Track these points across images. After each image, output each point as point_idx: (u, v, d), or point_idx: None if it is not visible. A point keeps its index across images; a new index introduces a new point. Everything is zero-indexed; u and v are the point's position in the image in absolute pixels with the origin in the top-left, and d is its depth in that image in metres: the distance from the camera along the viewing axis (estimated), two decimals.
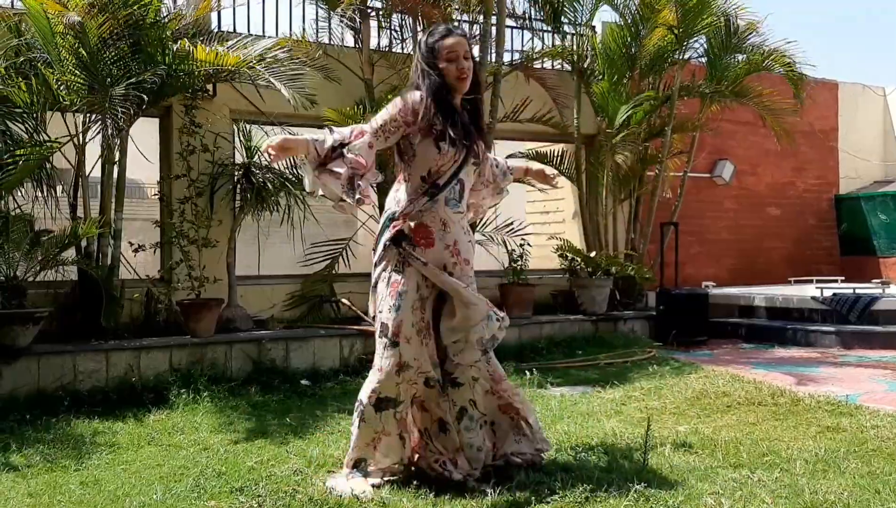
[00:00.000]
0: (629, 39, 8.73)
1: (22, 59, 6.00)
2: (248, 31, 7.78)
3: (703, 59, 9.39)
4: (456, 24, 7.33)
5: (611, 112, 8.55)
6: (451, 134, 3.42)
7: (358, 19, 7.69)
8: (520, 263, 8.13)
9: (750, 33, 9.12)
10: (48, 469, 4.07)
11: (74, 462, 4.15)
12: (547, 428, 4.56)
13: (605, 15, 16.47)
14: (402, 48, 8.10)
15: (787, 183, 11.63)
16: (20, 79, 5.82)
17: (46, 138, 5.95)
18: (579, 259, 8.41)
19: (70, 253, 6.06)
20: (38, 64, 5.92)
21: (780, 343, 8.30)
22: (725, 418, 4.94)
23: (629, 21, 8.76)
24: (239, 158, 7.27)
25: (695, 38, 8.91)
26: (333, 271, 7.92)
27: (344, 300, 7.68)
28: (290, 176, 7.12)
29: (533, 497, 3.36)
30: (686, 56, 9.13)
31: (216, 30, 7.29)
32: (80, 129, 6.06)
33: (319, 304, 7.77)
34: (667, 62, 9.01)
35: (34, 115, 5.84)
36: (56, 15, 5.57)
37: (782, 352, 7.91)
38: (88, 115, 5.91)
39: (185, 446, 4.46)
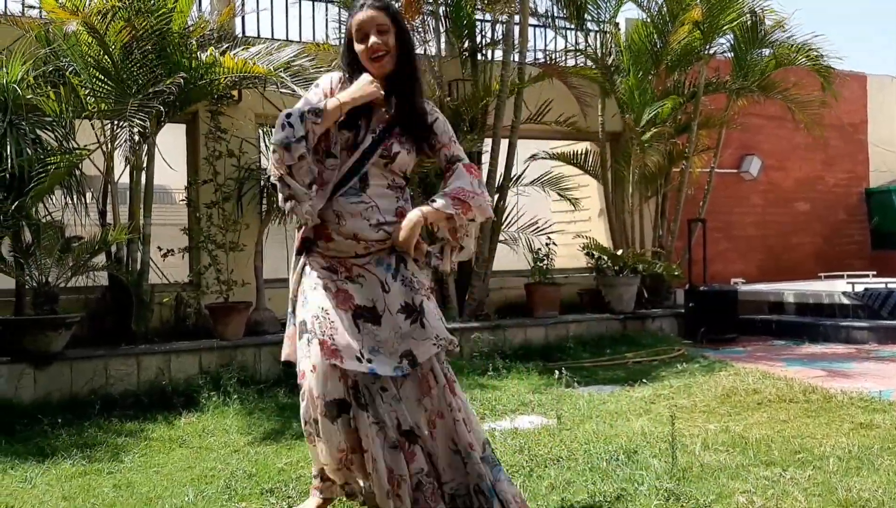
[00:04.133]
0: (655, 36, 8.68)
1: (50, 67, 6.09)
2: (272, 35, 7.84)
3: (730, 55, 9.31)
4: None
5: (637, 109, 8.50)
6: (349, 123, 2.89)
7: None
8: (545, 262, 8.11)
9: (776, 28, 9.03)
10: (82, 472, 4.12)
11: (107, 465, 4.20)
12: (575, 427, 4.56)
13: (629, 12, 16.37)
14: (425, 50, 8.10)
15: (815, 177, 11.49)
16: (49, 88, 5.91)
17: (75, 146, 6.03)
18: (606, 257, 8.37)
19: (100, 259, 6.13)
20: (66, 72, 6.01)
21: (810, 340, 8.20)
22: (756, 415, 4.88)
23: (655, 17, 8.70)
24: (265, 163, 7.31)
25: (721, 34, 8.84)
26: None
27: None
28: None
29: (563, 497, 3.35)
30: (712, 51, 9.05)
31: (240, 35, 7.35)
32: (108, 136, 6.13)
33: None
34: (693, 58, 8.94)
35: (63, 123, 5.92)
36: (61, 22, 5.64)
37: (813, 348, 7.81)
38: (116, 122, 5.98)
39: (215, 448, 4.50)
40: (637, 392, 5.67)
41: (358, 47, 2.89)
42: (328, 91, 2.93)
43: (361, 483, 3.01)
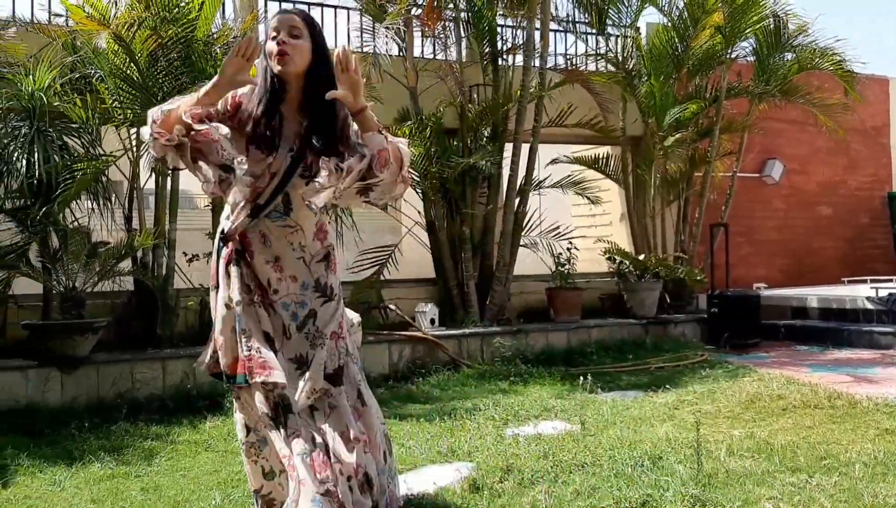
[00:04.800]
0: (676, 40, 8.66)
1: (77, 74, 6.17)
2: None
3: (751, 59, 9.27)
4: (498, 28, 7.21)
5: (659, 114, 8.49)
6: (254, 131, 2.86)
7: (402, 28, 7.74)
8: (567, 266, 8.10)
9: (799, 32, 8.99)
10: (110, 475, 4.16)
11: (135, 469, 4.24)
12: (599, 433, 4.56)
13: (650, 17, 16.32)
14: (446, 55, 8.13)
15: (838, 181, 11.40)
16: (75, 95, 5.99)
17: (102, 153, 6.10)
18: (627, 262, 8.35)
19: (126, 264, 6.20)
20: (93, 80, 6.08)
21: (834, 345, 8.14)
22: (781, 421, 4.86)
23: (676, 22, 8.68)
24: None
25: (743, 38, 8.81)
26: (381, 278, 7.99)
27: (392, 306, 7.73)
28: None
29: (589, 503, 3.35)
30: (734, 55, 9.02)
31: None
32: (134, 142, 6.20)
33: (368, 310, 7.83)
34: (714, 62, 8.92)
35: (90, 130, 6.00)
36: (89, 34, 5.71)
37: (837, 354, 7.75)
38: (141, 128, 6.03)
39: (240, 452, 4.52)
40: (660, 398, 5.65)
41: (269, 45, 2.85)
42: (234, 104, 2.90)
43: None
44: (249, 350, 2.86)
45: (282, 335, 2.93)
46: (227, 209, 3.02)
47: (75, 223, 6.07)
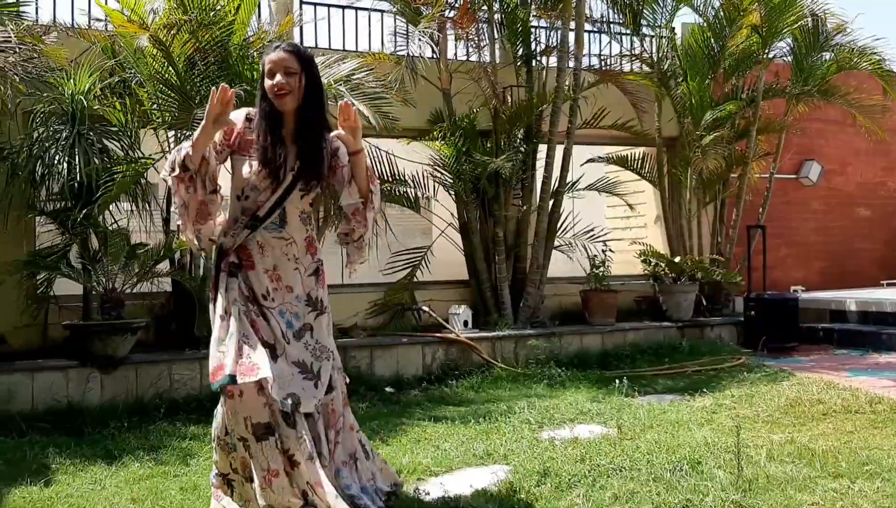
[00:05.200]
0: (712, 40, 8.57)
1: (116, 78, 6.26)
2: (329, 44, 7.94)
3: (789, 58, 9.15)
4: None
5: (695, 114, 8.41)
6: (263, 156, 3.18)
7: (436, 31, 7.75)
8: (601, 269, 8.05)
9: (838, 32, 8.86)
10: (149, 474, 4.21)
11: (173, 468, 4.29)
12: (636, 437, 4.52)
13: (685, 17, 16.18)
14: (479, 57, 8.12)
15: (877, 183, 11.20)
16: (115, 99, 6.07)
17: (140, 155, 6.17)
18: (663, 264, 8.28)
19: (164, 265, 6.27)
20: (132, 83, 6.16)
21: (874, 349, 7.99)
22: (821, 426, 4.79)
23: (712, 22, 8.60)
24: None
25: (780, 37, 8.70)
26: (414, 280, 8.00)
27: (425, 308, 7.74)
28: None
29: (628, 507, 3.32)
30: (771, 55, 8.92)
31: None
32: (172, 145, 6.26)
33: (401, 312, 7.85)
34: (751, 62, 8.82)
35: (129, 133, 6.08)
36: (130, 36, 5.78)
37: (878, 358, 7.61)
38: (179, 132, 6.11)
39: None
40: (698, 402, 5.59)
41: (267, 83, 3.17)
42: (229, 131, 3.21)
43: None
44: (241, 357, 3.06)
45: (282, 341, 3.18)
46: (222, 226, 3.31)
47: (115, 225, 6.16)
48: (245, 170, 3.23)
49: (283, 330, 3.19)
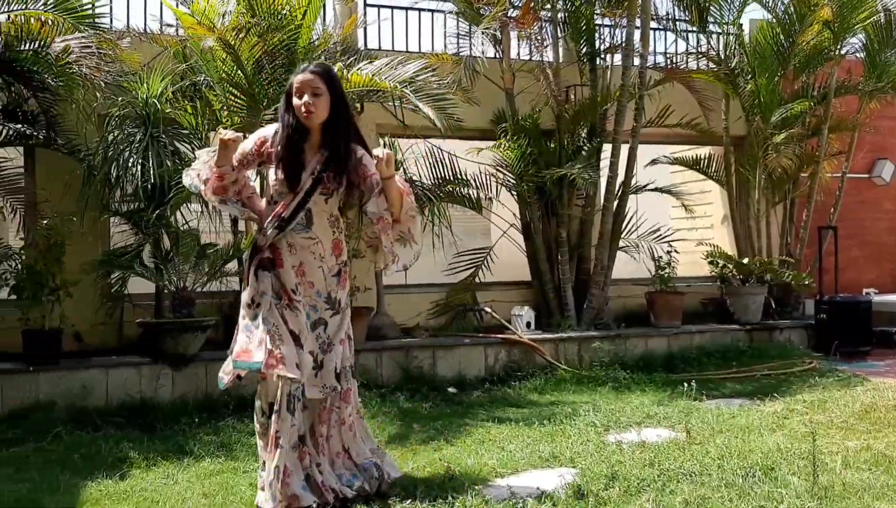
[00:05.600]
0: (781, 37, 8.37)
1: (187, 82, 6.40)
2: (392, 46, 7.99)
3: (861, 55, 8.88)
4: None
5: (765, 112, 8.22)
6: (283, 166, 3.54)
7: (499, 31, 7.74)
8: (667, 270, 7.92)
9: None
10: (219, 470, 4.30)
11: (243, 465, 4.36)
12: (705, 442, 4.44)
13: (753, 13, 15.84)
14: (542, 56, 8.08)
15: None
16: (186, 102, 6.21)
17: None
18: (731, 266, 8.12)
19: (232, 265, 6.38)
20: (202, 87, 6.29)
21: None
22: None
23: (781, 18, 8.40)
24: None
25: (853, 33, 8.44)
26: (476, 280, 7.99)
27: (487, 309, 7.73)
28: (434, 189, 7.31)
29: None
30: (843, 52, 8.67)
31: (362, 48, 7.51)
32: None
33: (463, 312, 7.86)
34: (822, 59, 8.59)
35: (199, 135, 6.20)
36: (200, 39, 5.89)
37: None
38: (246, 134, 6.20)
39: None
40: (768, 407, 5.47)
41: (295, 101, 3.52)
42: (259, 143, 3.60)
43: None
44: (272, 346, 3.43)
45: (306, 331, 3.54)
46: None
47: (185, 226, 6.30)
48: (271, 177, 3.60)
49: (302, 324, 3.54)
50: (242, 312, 3.58)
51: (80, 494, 3.90)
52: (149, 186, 5.79)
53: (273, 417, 3.49)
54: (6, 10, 5.60)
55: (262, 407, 3.62)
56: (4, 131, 6.02)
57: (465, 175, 7.84)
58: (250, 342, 3.49)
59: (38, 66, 5.57)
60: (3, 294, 5.85)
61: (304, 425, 3.55)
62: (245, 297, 3.58)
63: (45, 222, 5.87)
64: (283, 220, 3.54)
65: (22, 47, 5.57)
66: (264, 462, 3.58)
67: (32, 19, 5.63)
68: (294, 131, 3.54)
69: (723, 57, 8.69)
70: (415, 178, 7.36)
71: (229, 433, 5.06)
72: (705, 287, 8.63)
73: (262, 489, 3.54)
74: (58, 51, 5.52)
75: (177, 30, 6.99)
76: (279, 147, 3.55)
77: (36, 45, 5.57)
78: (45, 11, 5.64)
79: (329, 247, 3.61)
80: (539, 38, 8.06)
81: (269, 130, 3.64)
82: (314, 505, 3.43)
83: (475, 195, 7.85)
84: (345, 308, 3.69)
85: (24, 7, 5.62)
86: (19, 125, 6.02)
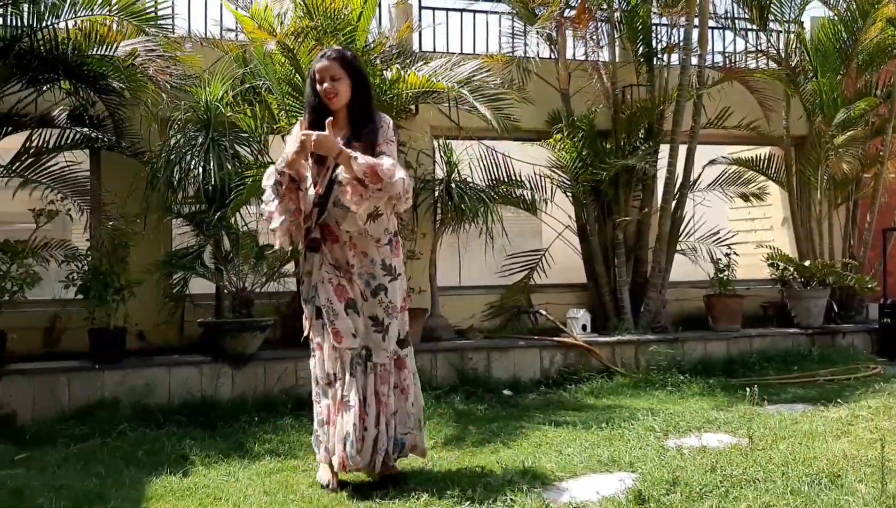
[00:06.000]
0: (844, 34, 8.18)
1: (247, 86, 6.50)
2: (447, 48, 8.01)
3: None
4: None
5: (827, 112, 8.04)
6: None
7: (554, 31, 7.70)
8: (726, 272, 7.79)
9: None
10: (279, 468, 4.35)
11: (302, 463, 4.41)
12: (768, 448, 4.35)
13: (814, 10, 15.50)
14: (599, 56, 8.02)
15: None
16: (246, 105, 6.31)
17: (269, 160, 6.38)
18: (791, 268, 7.95)
19: (290, 266, 6.45)
20: (262, 91, 6.39)
21: None
22: None
23: (843, 15, 8.20)
24: (439, 173, 7.47)
25: None
26: (530, 282, 7.96)
27: (542, 311, 7.70)
28: (488, 190, 7.31)
29: None
30: None
31: (417, 50, 7.54)
32: None
33: (518, 314, 7.83)
34: (886, 57, 8.36)
35: (258, 138, 6.30)
36: (260, 42, 5.98)
37: None
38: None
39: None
40: (832, 412, 5.34)
41: (318, 88, 3.81)
42: (297, 132, 3.83)
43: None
44: (329, 319, 3.78)
45: (361, 299, 3.82)
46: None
47: (245, 227, 6.40)
48: (308, 162, 3.85)
49: (361, 289, 3.82)
50: (303, 285, 3.98)
51: (145, 490, 3.98)
52: (210, 188, 5.91)
53: (338, 384, 3.81)
54: (73, 15, 5.76)
55: (317, 377, 3.94)
56: (72, 135, 6.19)
57: (520, 176, 7.82)
58: (304, 320, 3.96)
59: (106, 69, 5.71)
60: (70, 294, 6.00)
61: (368, 388, 3.80)
62: (301, 271, 3.97)
63: (110, 223, 6.02)
64: (320, 197, 3.80)
65: (89, 52, 5.72)
66: (325, 427, 3.89)
67: (98, 24, 5.78)
68: (318, 113, 3.79)
69: (783, 55, 8.51)
70: (468, 179, 7.38)
71: (288, 431, 5.12)
72: (765, 290, 8.47)
73: (330, 451, 3.84)
74: (124, 54, 5.66)
75: (237, 34, 7.10)
76: (306, 129, 3.79)
77: (103, 50, 5.72)
78: (111, 15, 5.79)
79: (364, 217, 3.77)
80: (595, 37, 8.00)
81: (297, 129, 3.88)
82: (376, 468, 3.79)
83: (530, 197, 7.82)
84: (400, 275, 3.90)
85: (90, 12, 5.77)
86: (86, 129, 6.19)
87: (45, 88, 5.94)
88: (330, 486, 3.87)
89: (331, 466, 3.89)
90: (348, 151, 3.67)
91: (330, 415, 3.87)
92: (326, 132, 3.67)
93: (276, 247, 4.03)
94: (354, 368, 3.78)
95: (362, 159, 3.64)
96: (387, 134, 3.85)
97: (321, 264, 3.83)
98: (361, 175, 3.62)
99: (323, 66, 3.80)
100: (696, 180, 8.15)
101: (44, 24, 5.69)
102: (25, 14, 5.68)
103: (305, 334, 4.00)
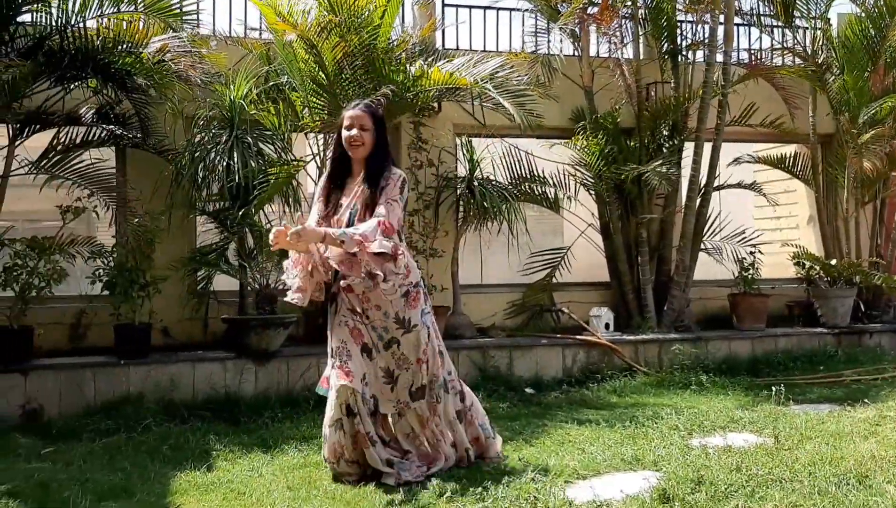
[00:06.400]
0: (871, 31, 8.07)
1: (270, 84, 6.53)
2: (470, 46, 8.00)
3: None
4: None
5: (853, 110, 7.94)
6: (324, 196, 4.07)
7: (577, 28, 7.67)
8: (751, 271, 7.71)
9: None
10: (302, 463, 4.37)
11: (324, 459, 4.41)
12: (794, 448, 4.30)
13: (841, 6, 15.32)
14: (622, 53, 7.97)
15: None
16: (269, 103, 6.33)
17: (293, 158, 6.41)
18: (818, 267, 7.86)
19: None
20: (285, 88, 6.41)
21: None
22: None
23: (871, 11, 8.10)
24: (462, 172, 7.46)
25: None
26: (553, 281, 7.93)
27: (565, 309, 7.67)
28: (511, 188, 7.31)
29: None
30: None
31: (440, 48, 7.54)
32: (322, 147, 6.48)
33: (540, 313, 7.81)
34: None
35: (282, 136, 6.32)
36: (280, 34, 5.99)
37: None
38: (329, 134, 6.30)
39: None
40: (859, 413, 5.27)
41: (344, 133, 3.99)
42: (320, 191, 4.12)
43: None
44: (341, 360, 3.91)
45: (375, 348, 3.95)
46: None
47: (269, 225, 6.41)
48: (317, 210, 4.06)
49: (375, 341, 3.94)
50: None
51: (169, 484, 4.01)
52: (234, 185, 5.93)
53: (356, 419, 3.89)
54: (100, 13, 5.81)
55: (332, 414, 3.96)
56: (99, 132, 6.24)
57: (543, 174, 7.80)
58: (326, 371, 4.07)
59: (133, 66, 5.76)
60: (95, 290, 6.06)
61: (373, 427, 3.96)
62: (334, 321, 4.05)
63: (135, 220, 6.06)
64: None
65: (116, 49, 5.77)
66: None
67: (125, 22, 5.83)
68: (339, 163, 4.03)
69: (809, 52, 8.42)
70: (491, 177, 7.36)
71: (311, 427, 5.13)
72: (791, 289, 8.39)
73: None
74: (152, 51, 5.69)
75: (260, 33, 7.14)
76: (324, 179, 4.10)
77: (130, 47, 5.76)
78: (137, 13, 5.83)
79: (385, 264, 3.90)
80: (618, 34, 7.95)
81: (322, 181, 4.14)
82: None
83: (552, 194, 7.79)
84: (419, 327, 3.96)
85: (116, 9, 5.82)
86: (112, 126, 6.24)
87: (72, 86, 5.99)
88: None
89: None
90: (331, 232, 3.82)
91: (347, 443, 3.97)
92: (298, 226, 3.81)
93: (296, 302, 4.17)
94: (358, 407, 3.89)
95: (347, 236, 3.79)
96: (390, 193, 3.94)
97: (340, 309, 3.98)
98: (352, 251, 3.79)
99: (355, 114, 3.97)
100: (725, 183, 8.07)
101: (72, 22, 5.74)
102: (54, 12, 5.74)
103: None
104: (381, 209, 3.88)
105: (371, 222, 3.85)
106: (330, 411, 3.96)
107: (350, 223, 3.92)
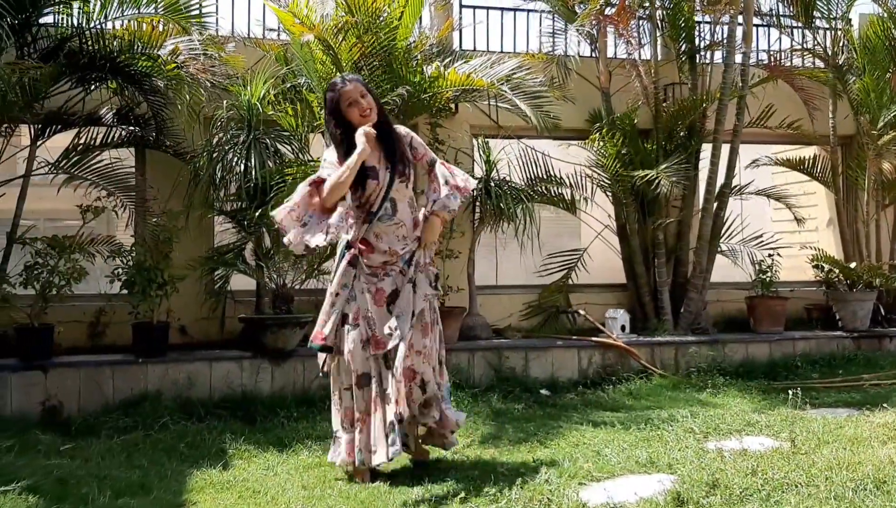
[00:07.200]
0: (893, 31, 8.00)
1: (288, 85, 6.56)
2: (487, 46, 8.01)
3: None
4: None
5: (873, 111, 7.87)
6: (367, 170, 4.02)
7: (594, 29, 7.65)
8: (769, 274, 7.66)
9: None
10: (317, 463, 4.40)
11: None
12: (811, 452, 4.27)
13: (863, 6, 15.18)
14: (640, 55, 7.94)
15: None
16: (287, 104, 6.36)
17: (310, 158, 6.43)
18: (837, 270, 7.79)
19: (329, 264, 6.48)
20: (303, 89, 6.44)
21: None
22: None
23: (893, 12, 8.02)
24: (478, 172, 7.46)
25: None
26: (569, 282, 7.92)
27: (581, 311, 7.65)
28: (527, 189, 7.30)
29: None
30: None
31: (458, 49, 7.54)
32: None
33: (556, 314, 7.80)
34: None
35: (299, 137, 6.35)
36: (298, 35, 6.02)
37: None
38: None
39: (434, 449, 4.62)
40: (878, 417, 5.22)
41: (351, 110, 4.01)
42: (335, 161, 4.07)
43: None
44: (369, 329, 4.03)
45: (401, 285, 4.07)
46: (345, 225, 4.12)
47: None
48: (361, 187, 4.03)
49: (399, 284, 4.06)
50: (327, 298, 4.14)
51: (186, 482, 4.05)
52: (251, 186, 5.96)
53: (373, 382, 4.03)
54: (120, 14, 5.86)
55: (340, 380, 4.14)
56: (118, 133, 6.30)
57: (559, 175, 7.78)
58: (324, 326, 4.12)
59: (151, 68, 5.81)
60: (114, 289, 6.11)
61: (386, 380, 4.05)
62: (331, 286, 4.13)
63: (154, 219, 6.11)
64: (371, 214, 4.03)
65: (135, 51, 5.82)
66: (356, 427, 4.06)
67: (144, 24, 5.88)
68: (348, 145, 4.00)
69: (830, 53, 8.35)
70: (507, 178, 7.36)
71: (326, 427, 5.11)
72: (809, 293, 8.32)
73: (372, 451, 3.99)
74: (167, 52, 5.74)
75: (278, 34, 7.18)
76: (336, 158, 4.06)
77: (148, 49, 5.81)
78: (156, 15, 5.88)
79: (410, 226, 4.13)
80: (636, 35, 7.93)
81: (333, 156, 4.08)
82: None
83: (568, 196, 7.78)
84: (426, 266, 4.17)
85: (136, 11, 5.87)
86: (131, 127, 6.29)
87: (93, 87, 6.05)
88: (364, 480, 4.01)
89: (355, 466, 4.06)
90: (442, 217, 4.20)
91: (357, 415, 4.06)
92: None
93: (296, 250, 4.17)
94: (389, 361, 4.00)
95: (453, 204, 4.16)
96: (421, 141, 4.23)
97: (359, 276, 4.07)
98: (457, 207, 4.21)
99: (353, 87, 4.03)
100: (742, 186, 8.03)
101: (92, 23, 5.80)
102: (75, 14, 5.80)
103: (323, 370, 4.29)
104: (430, 157, 4.25)
105: (455, 172, 4.25)
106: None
107: (391, 181, 4.04)
